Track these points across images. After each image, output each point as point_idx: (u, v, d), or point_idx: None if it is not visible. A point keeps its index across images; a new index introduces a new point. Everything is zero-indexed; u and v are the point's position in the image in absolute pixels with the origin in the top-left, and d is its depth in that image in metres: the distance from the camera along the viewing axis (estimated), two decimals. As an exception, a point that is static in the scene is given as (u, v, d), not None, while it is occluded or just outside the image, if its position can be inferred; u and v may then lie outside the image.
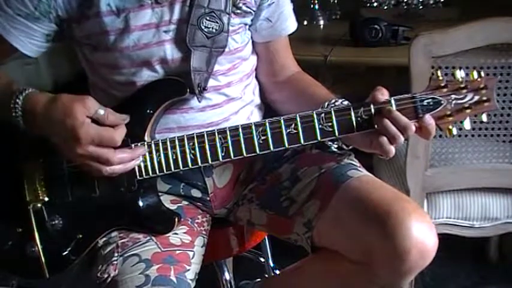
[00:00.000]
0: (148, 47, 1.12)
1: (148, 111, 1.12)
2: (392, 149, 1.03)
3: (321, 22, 2.43)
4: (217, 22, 1.13)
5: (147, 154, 1.09)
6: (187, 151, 1.08)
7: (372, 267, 1.02)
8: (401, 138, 1.02)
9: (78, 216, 1.11)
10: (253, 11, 1.19)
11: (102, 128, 1.02)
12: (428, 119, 1.03)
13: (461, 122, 1.05)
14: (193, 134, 1.08)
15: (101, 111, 1.02)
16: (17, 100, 1.06)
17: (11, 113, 1.06)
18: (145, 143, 1.09)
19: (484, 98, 1.03)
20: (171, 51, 1.12)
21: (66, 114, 1.00)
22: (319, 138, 1.06)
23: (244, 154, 1.07)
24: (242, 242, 1.39)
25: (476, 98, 1.03)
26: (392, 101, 1.03)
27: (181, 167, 1.09)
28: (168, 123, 1.16)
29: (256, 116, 1.28)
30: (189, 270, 1.10)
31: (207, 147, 1.07)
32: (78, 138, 1.00)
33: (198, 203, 1.27)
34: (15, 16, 1.11)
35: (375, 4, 2.46)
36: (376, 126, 1.03)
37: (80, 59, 1.22)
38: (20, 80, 1.16)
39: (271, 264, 1.66)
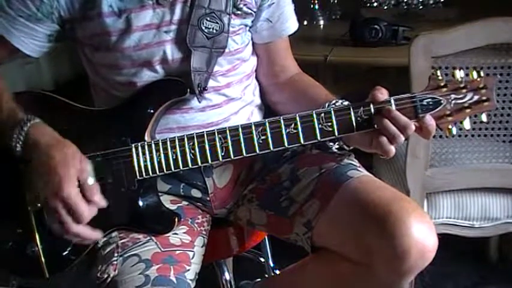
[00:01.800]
0: (149, 47, 1.12)
1: (148, 111, 1.12)
2: (392, 149, 1.03)
3: (321, 22, 2.44)
4: (217, 23, 1.13)
5: (147, 154, 1.09)
6: (187, 151, 1.08)
7: (372, 268, 1.02)
8: (402, 138, 1.02)
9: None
10: (254, 11, 1.19)
11: (81, 200, 1.01)
12: (429, 120, 1.02)
13: (461, 122, 1.05)
14: (193, 134, 1.08)
15: (90, 181, 1.03)
16: (24, 127, 1.05)
17: (12, 137, 1.05)
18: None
19: (484, 98, 1.03)
20: (171, 52, 1.13)
21: (64, 163, 1.01)
22: (319, 138, 1.06)
23: (244, 154, 1.07)
24: (242, 242, 1.39)
25: (476, 97, 1.03)
26: (392, 101, 1.03)
27: (181, 167, 1.09)
28: (168, 123, 1.17)
29: (256, 117, 1.28)
30: (189, 270, 1.10)
31: (207, 147, 1.07)
32: (58, 192, 1.00)
33: (198, 203, 1.27)
34: (16, 17, 1.11)
35: (375, 4, 2.47)
36: (375, 126, 1.03)
37: (81, 59, 1.22)
38: (20, 80, 1.16)
39: (271, 264, 1.66)
